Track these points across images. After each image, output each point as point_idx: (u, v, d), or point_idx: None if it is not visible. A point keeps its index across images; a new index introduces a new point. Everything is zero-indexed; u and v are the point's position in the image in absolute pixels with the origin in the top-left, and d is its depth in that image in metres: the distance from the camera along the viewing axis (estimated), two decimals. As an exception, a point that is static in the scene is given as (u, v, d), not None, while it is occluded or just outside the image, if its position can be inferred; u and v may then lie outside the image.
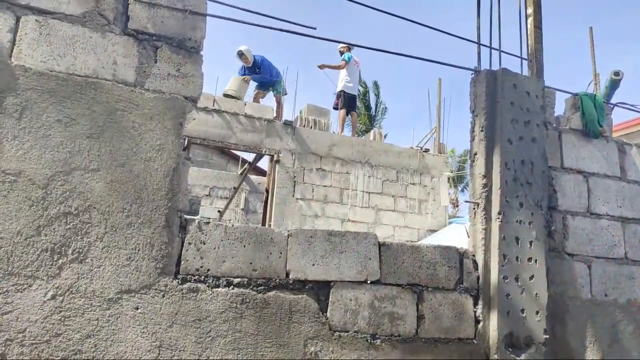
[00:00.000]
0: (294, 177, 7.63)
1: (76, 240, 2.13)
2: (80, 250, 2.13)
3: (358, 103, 20.70)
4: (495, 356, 2.65)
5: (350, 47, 8.86)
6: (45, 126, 2.16)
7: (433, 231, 8.28)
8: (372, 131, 10.69)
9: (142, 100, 2.34)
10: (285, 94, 8.74)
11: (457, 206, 15.81)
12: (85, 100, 2.24)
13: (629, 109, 3.61)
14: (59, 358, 2.01)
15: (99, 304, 2.11)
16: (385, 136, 12.46)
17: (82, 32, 2.31)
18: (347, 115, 9.21)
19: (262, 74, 8.58)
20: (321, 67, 8.81)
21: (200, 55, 2.52)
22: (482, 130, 3.01)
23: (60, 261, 2.09)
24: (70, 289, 2.09)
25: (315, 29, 2.81)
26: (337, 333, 2.46)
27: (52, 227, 2.10)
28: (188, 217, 2.40)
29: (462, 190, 20.58)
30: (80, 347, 2.05)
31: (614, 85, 3.58)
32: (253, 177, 11.12)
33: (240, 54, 8.39)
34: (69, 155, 2.18)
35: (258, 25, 2.79)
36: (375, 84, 22.09)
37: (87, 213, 2.16)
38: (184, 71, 2.45)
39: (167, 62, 2.43)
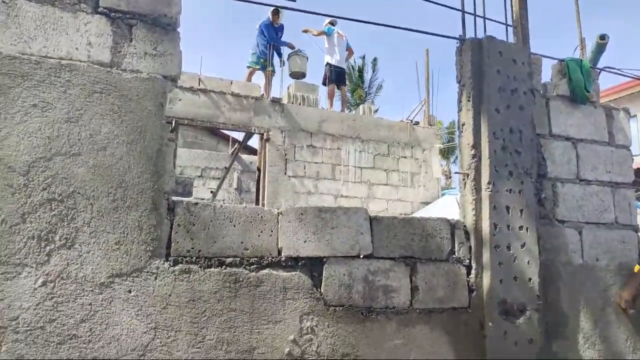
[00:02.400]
0: (285, 154, 7.59)
1: (63, 226, 2.10)
2: (68, 236, 2.10)
3: (354, 78, 20.56)
4: (490, 323, 2.68)
5: (333, 22, 8.78)
6: (21, 112, 2.10)
7: (426, 203, 8.32)
8: (361, 106, 10.61)
9: (120, 81, 2.28)
10: (274, 74, 8.62)
11: (450, 178, 15.89)
12: (60, 84, 2.18)
13: (616, 73, 3.59)
14: (54, 343, 2.01)
15: (91, 288, 2.09)
16: (376, 111, 12.39)
17: (52, 12, 2.22)
18: (338, 89, 9.13)
19: (279, 40, 8.51)
20: (304, 30, 9.01)
21: (177, 32, 2.44)
22: (469, 100, 2.98)
23: (48, 248, 2.07)
24: (61, 275, 2.07)
25: (295, 1, 2.74)
26: (332, 308, 2.47)
27: (37, 214, 2.07)
28: (176, 198, 2.37)
29: (455, 162, 20.66)
30: (76, 332, 2.05)
31: (600, 49, 3.54)
32: (245, 156, 11.06)
33: (277, 11, 8.30)
34: (49, 141, 2.13)
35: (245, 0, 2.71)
36: (374, 60, 21.81)
37: (71, 199, 2.12)
38: (162, 49, 2.38)
39: (143, 41, 2.36)
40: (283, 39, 8.71)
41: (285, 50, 8.81)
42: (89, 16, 2.28)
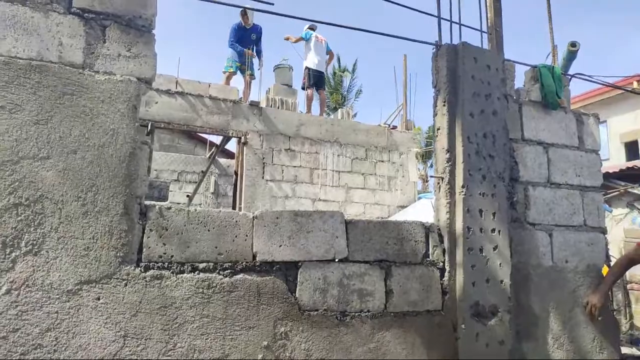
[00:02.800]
0: (263, 158, 7.56)
1: (29, 232, 2.04)
2: (34, 242, 2.04)
3: (332, 82, 20.64)
4: (462, 325, 2.71)
5: (311, 27, 8.81)
6: (-12, 113, 2.04)
7: (403, 207, 8.39)
8: (340, 110, 10.65)
9: (92, 83, 2.23)
10: (254, 79, 8.55)
11: (427, 181, 16.05)
12: (30, 85, 2.12)
13: (586, 79, 3.68)
14: (17, 353, 1.94)
15: (57, 296, 2.04)
16: (354, 115, 12.46)
17: (22, 12, 2.17)
18: (317, 93, 9.16)
19: (256, 44, 8.39)
20: (285, 38, 9.14)
21: (152, 34, 2.40)
22: (444, 105, 3.02)
23: (14, 254, 2.00)
24: (26, 282, 2.00)
25: (272, 4, 2.73)
26: (306, 312, 2.46)
27: (2, 219, 2.00)
28: (148, 203, 2.33)
29: (431, 166, 20.89)
30: (41, 342, 1.98)
31: (571, 56, 3.64)
32: (222, 160, 10.97)
33: (244, 12, 8.15)
34: (16, 144, 2.06)
35: (213, 2, 2.69)
36: (354, 64, 21.97)
37: (39, 203, 2.06)
38: (136, 51, 2.34)
39: (117, 42, 2.31)
40: (262, 38, 8.59)
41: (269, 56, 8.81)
42: (61, 16, 2.23)
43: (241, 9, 8.01)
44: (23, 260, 2.01)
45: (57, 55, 2.20)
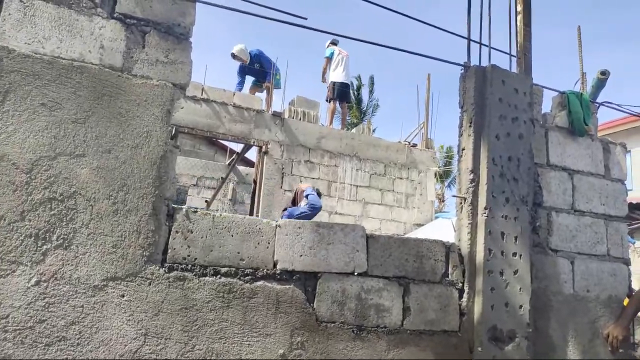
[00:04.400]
0: (282, 168, 7.62)
1: (61, 226, 2.10)
2: (65, 236, 2.10)
3: (352, 96, 20.82)
4: (479, 348, 2.68)
5: (334, 42, 8.93)
6: (30, 110, 2.12)
7: (419, 225, 8.34)
8: (360, 125, 10.70)
9: (130, 86, 2.30)
10: (279, 88, 8.71)
11: (443, 201, 15.94)
12: (71, 85, 2.20)
13: (614, 108, 3.66)
14: (42, 344, 1.99)
15: (84, 290, 2.08)
16: (374, 130, 12.49)
17: (68, 15, 2.26)
18: (340, 106, 9.26)
19: (263, 67, 8.55)
20: (323, 80, 9.13)
21: (190, 41, 2.48)
22: (470, 126, 3.03)
23: (45, 247, 2.06)
24: (55, 276, 2.06)
25: (306, 19, 2.79)
26: (323, 324, 2.47)
27: (37, 212, 2.07)
28: (175, 205, 2.38)
29: (449, 186, 20.77)
30: (65, 334, 2.03)
31: (600, 84, 3.62)
32: (241, 168, 11.08)
33: (234, 56, 8.38)
34: (54, 140, 2.14)
35: (248, 13, 2.76)
36: (371, 78, 22.14)
37: (72, 199, 2.13)
38: (173, 58, 2.42)
39: (156, 48, 2.39)
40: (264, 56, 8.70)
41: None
42: (104, 21, 2.32)
43: (230, 54, 8.26)
44: (53, 254, 2.07)
45: (98, 58, 2.28)
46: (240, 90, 8.49)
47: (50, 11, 2.23)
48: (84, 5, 2.30)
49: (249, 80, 8.81)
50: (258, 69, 8.55)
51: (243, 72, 8.57)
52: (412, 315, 2.66)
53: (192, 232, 2.33)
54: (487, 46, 3.27)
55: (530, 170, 3.05)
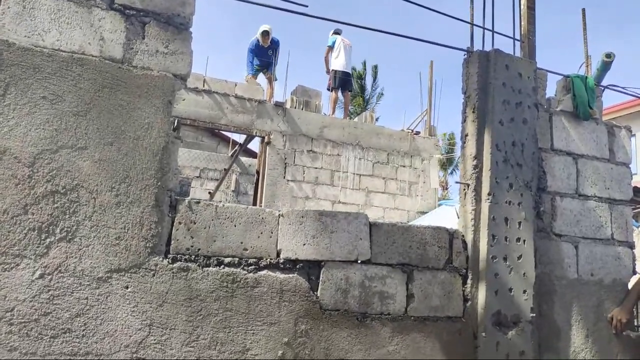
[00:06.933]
0: (285, 158, 7.61)
1: (64, 219, 2.10)
2: (69, 229, 2.10)
3: (355, 85, 20.70)
4: (483, 334, 2.69)
5: (337, 31, 8.88)
6: (31, 103, 2.12)
7: (423, 213, 8.34)
8: (363, 113, 10.65)
9: (130, 78, 2.29)
10: (276, 80, 8.68)
11: (447, 188, 15.93)
12: (71, 77, 2.19)
13: (619, 91, 3.62)
14: (47, 336, 2.01)
15: (88, 282, 2.10)
16: (377, 119, 12.44)
17: (67, 7, 2.24)
18: (342, 95, 9.21)
19: (272, 57, 8.52)
20: (328, 72, 9.13)
21: (190, 32, 2.46)
22: (473, 111, 3.01)
23: (48, 240, 2.07)
24: (59, 268, 2.07)
25: (307, 6, 2.76)
26: (327, 312, 2.48)
27: (39, 205, 2.07)
28: (178, 196, 2.38)
29: (452, 173, 20.72)
30: (70, 326, 2.04)
31: (605, 67, 3.58)
32: (244, 159, 11.07)
33: (266, 33, 8.33)
34: (56, 133, 2.14)
35: (249, 2, 2.74)
36: (375, 67, 21.93)
37: (74, 192, 2.13)
38: (173, 48, 2.40)
39: (156, 39, 2.38)
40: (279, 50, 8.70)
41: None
42: (103, 12, 2.30)
43: (262, 30, 8.20)
44: (57, 247, 2.08)
45: (98, 50, 2.27)
46: (252, 71, 8.43)
47: (49, 3, 2.22)
48: (82, -4, 2.28)
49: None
50: (270, 56, 8.52)
51: (255, 53, 8.50)
52: (415, 302, 2.67)
53: (195, 223, 2.34)
54: (490, 30, 3.23)
55: (534, 155, 3.03)
